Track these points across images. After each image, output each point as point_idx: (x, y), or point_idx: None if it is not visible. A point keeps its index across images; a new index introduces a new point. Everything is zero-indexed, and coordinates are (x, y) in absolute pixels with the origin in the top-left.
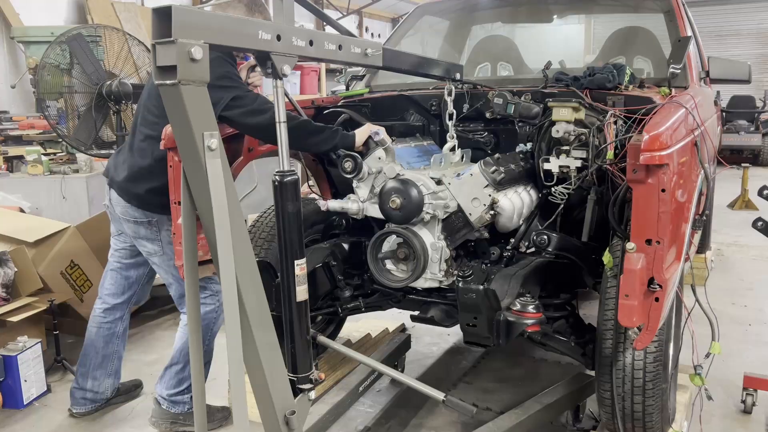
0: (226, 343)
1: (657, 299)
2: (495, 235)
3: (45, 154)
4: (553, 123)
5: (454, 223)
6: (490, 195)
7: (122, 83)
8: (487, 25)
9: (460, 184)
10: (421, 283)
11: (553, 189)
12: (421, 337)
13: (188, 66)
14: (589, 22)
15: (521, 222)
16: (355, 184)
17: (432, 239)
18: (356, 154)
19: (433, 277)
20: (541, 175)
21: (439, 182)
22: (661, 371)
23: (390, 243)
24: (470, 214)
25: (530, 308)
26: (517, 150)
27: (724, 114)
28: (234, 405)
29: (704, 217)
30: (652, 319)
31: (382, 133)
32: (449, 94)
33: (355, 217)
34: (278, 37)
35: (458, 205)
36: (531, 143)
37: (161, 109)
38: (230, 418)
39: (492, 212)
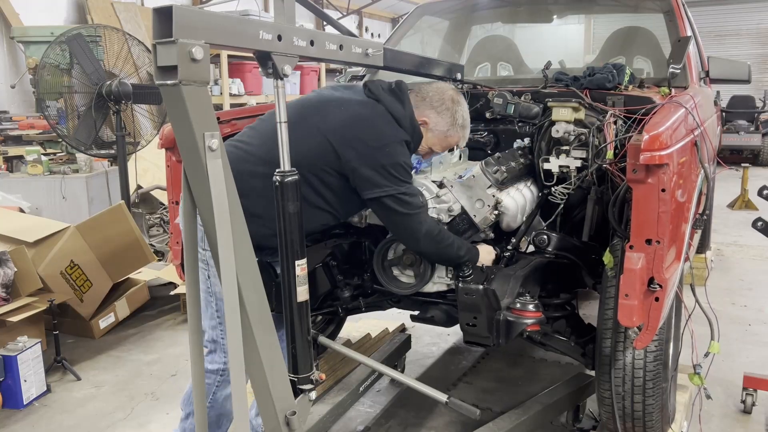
0: (227, 343)
1: (657, 299)
2: (497, 234)
3: (45, 154)
4: (552, 123)
5: (459, 225)
6: (493, 195)
7: (122, 83)
8: (487, 25)
9: (462, 187)
10: (430, 288)
11: (553, 189)
12: (421, 337)
13: (189, 66)
14: (589, 22)
15: (524, 219)
16: None
17: None
18: None
19: (440, 280)
20: (541, 174)
21: (441, 185)
22: (662, 370)
23: (395, 250)
24: (474, 215)
25: (530, 308)
26: (515, 146)
27: (723, 114)
28: (234, 405)
29: (704, 217)
30: (652, 319)
31: None
32: None
33: (357, 225)
34: (279, 37)
35: (462, 208)
36: (529, 139)
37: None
38: None
39: (496, 212)
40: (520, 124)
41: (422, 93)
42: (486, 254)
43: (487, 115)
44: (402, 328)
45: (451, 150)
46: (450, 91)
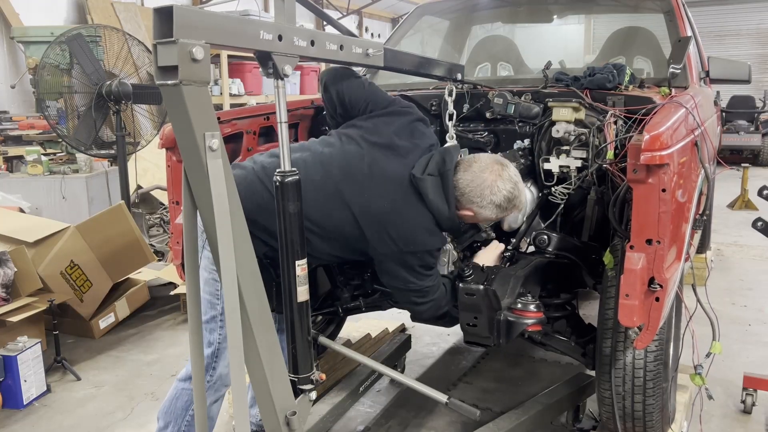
0: (228, 343)
1: (657, 299)
2: (497, 234)
3: (45, 154)
4: (553, 123)
5: (461, 225)
6: None
7: (122, 83)
8: (487, 25)
9: None
10: None
11: (553, 189)
12: (421, 337)
13: (189, 66)
14: (589, 22)
15: (524, 220)
16: None
17: None
18: None
19: None
20: (542, 174)
21: None
22: (662, 370)
23: None
24: None
25: (531, 308)
26: (515, 147)
27: (723, 114)
28: (234, 405)
29: (704, 217)
30: (652, 319)
31: None
32: (450, 94)
33: None
34: (279, 37)
35: None
36: (528, 140)
37: None
38: None
39: None
40: (520, 124)
41: (460, 187)
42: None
43: (488, 115)
44: (402, 328)
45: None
46: (488, 179)
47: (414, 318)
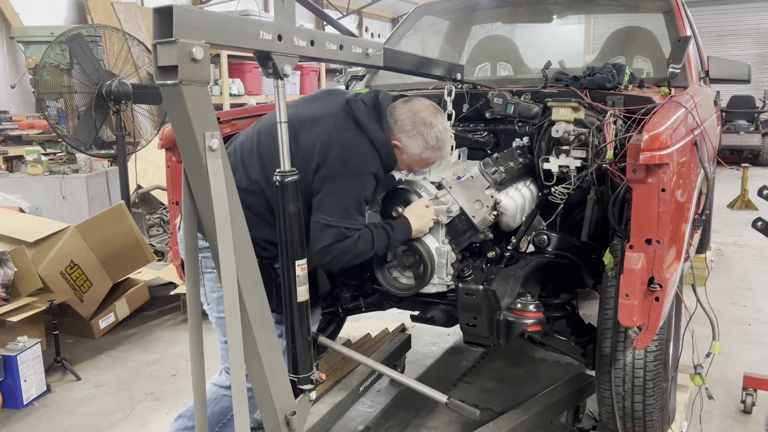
0: (228, 343)
1: (657, 299)
2: (496, 234)
3: (45, 154)
4: (552, 123)
5: (458, 226)
6: (492, 196)
7: (122, 83)
8: (487, 25)
9: (461, 188)
10: (429, 289)
11: (552, 189)
12: (421, 337)
13: (189, 66)
14: (589, 22)
15: (523, 218)
16: None
17: (437, 244)
18: None
19: (440, 281)
20: (541, 174)
21: (439, 186)
22: (662, 370)
23: (394, 252)
24: (473, 216)
25: (530, 308)
26: (514, 145)
27: (723, 114)
28: (234, 405)
29: (704, 217)
30: (652, 319)
31: None
32: (449, 94)
33: None
34: (279, 37)
35: (461, 209)
36: (528, 137)
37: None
38: None
39: (495, 213)
40: (519, 123)
41: (395, 115)
42: (416, 219)
43: (487, 115)
44: (402, 328)
45: (450, 150)
46: (423, 113)
47: (325, 264)
